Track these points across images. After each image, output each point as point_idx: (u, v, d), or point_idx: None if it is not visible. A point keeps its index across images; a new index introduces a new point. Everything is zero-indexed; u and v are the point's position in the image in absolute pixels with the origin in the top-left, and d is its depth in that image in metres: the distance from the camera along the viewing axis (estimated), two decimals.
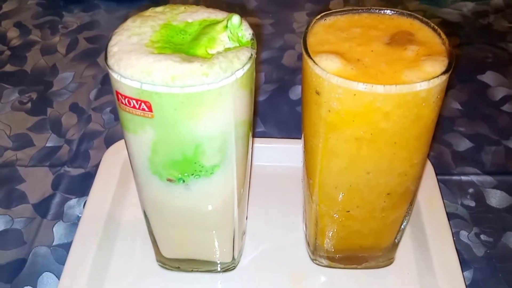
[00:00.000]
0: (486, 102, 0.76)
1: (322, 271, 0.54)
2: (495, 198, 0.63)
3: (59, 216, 0.60)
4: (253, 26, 0.43)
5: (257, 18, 0.90)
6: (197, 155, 0.42)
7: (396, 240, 0.52)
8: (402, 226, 0.51)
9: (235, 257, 0.53)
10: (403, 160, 0.43)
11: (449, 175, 0.65)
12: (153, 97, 0.38)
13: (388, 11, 0.45)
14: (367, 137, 0.41)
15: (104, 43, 0.69)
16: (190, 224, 0.49)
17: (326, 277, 0.54)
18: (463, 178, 0.65)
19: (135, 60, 0.38)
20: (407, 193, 0.47)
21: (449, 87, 0.77)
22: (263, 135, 0.71)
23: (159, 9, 0.44)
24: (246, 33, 0.42)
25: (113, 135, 0.70)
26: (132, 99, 0.38)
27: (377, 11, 0.46)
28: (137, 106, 0.39)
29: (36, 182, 0.64)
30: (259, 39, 0.84)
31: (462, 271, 0.52)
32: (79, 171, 0.65)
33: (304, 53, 0.41)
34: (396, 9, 0.45)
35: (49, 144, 0.69)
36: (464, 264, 0.55)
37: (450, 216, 0.60)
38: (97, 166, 0.65)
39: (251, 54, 0.40)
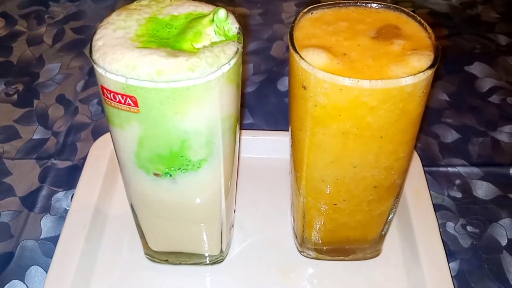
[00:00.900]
0: (474, 93, 0.77)
1: (309, 263, 0.54)
2: (482, 190, 0.63)
3: (47, 209, 0.59)
4: (241, 16, 0.43)
5: (245, 8, 0.90)
6: (183, 149, 0.41)
7: (383, 232, 0.52)
8: (389, 219, 0.51)
9: (223, 249, 0.53)
10: (389, 154, 0.43)
11: (436, 167, 0.66)
12: (138, 92, 0.37)
13: (375, 5, 0.45)
14: (353, 131, 0.41)
15: (90, 33, 0.69)
16: (178, 217, 0.49)
17: (314, 269, 0.54)
18: (450, 169, 0.65)
19: (120, 54, 0.38)
20: (393, 186, 0.47)
21: (436, 78, 0.77)
22: (251, 126, 0.71)
23: (145, 2, 0.44)
24: (232, 27, 0.42)
25: (100, 127, 0.70)
26: (117, 94, 0.38)
27: (363, 4, 0.45)
28: (123, 101, 0.38)
29: (23, 175, 0.63)
30: (247, 30, 0.84)
31: (448, 263, 0.52)
32: (66, 163, 0.65)
33: (290, 47, 0.41)
34: (383, 3, 0.45)
35: (36, 137, 0.68)
36: (450, 255, 0.56)
37: (437, 207, 0.60)
38: (84, 158, 0.64)
39: (237, 49, 0.40)
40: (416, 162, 0.61)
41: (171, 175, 0.43)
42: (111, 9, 0.43)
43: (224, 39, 0.41)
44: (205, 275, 0.54)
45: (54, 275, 0.51)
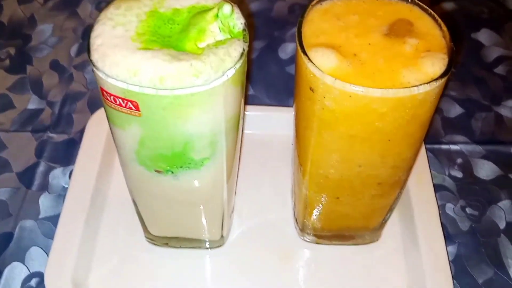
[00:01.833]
0: (480, 64, 0.75)
1: (309, 246, 0.55)
2: (483, 169, 0.63)
3: (44, 187, 0.59)
4: None
5: None
6: (186, 150, 0.40)
7: (384, 221, 0.52)
8: (392, 209, 0.51)
9: (224, 235, 0.53)
10: (396, 155, 0.42)
11: (438, 144, 0.65)
12: (140, 97, 0.36)
13: None
14: (360, 135, 0.40)
15: None
16: (179, 208, 0.48)
17: (313, 253, 0.55)
18: (452, 147, 0.65)
19: (121, 57, 0.36)
20: (398, 182, 0.47)
21: None
22: (252, 98, 0.69)
23: None
24: (237, 22, 0.40)
25: (96, 97, 0.68)
26: (118, 97, 0.37)
27: None
28: (124, 105, 0.37)
29: (19, 149, 0.62)
30: None
31: (446, 247, 0.53)
32: (63, 137, 0.64)
33: (298, 47, 0.39)
34: None
35: (30, 107, 0.67)
36: (448, 239, 0.56)
37: (437, 188, 0.60)
38: (80, 132, 0.63)
39: (243, 49, 0.38)
40: None
41: (172, 172, 0.43)
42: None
43: (229, 36, 0.39)
44: (205, 258, 0.54)
45: (55, 258, 0.51)
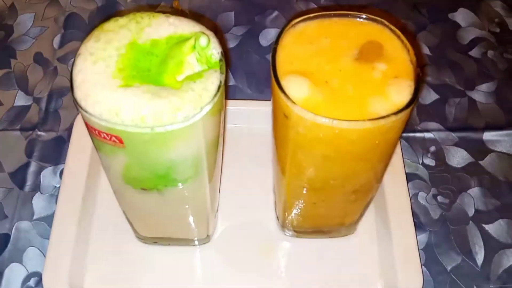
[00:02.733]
0: (455, 46, 0.77)
1: (289, 240, 0.58)
2: (455, 157, 0.66)
3: (37, 187, 0.61)
4: None
5: None
6: (169, 173, 0.43)
7: (359, 218, 0.56)
8: (366, 208, 0.54)
9: (209, 234, 0.56)
10: (368, 170, 0.45)
11: (413, 132, 0.68)
12: (123, 133, 0.38)
13: (358, 18, 0.44)
14: (333, 155, 0.42)
15: None
16: (165, 216, 0.51)
17: (293, 245, 0.58)
18: (426, 135, 0.68)
19: (102, 96, 0.38)
20: (373, 188, 0.50)
21: (419, 29, 0.77)
22: (233, 89, 0.71)
23: (123, 21, 0.42)
24: (214, 52, 0.41)
25: None
26: (102, 132, 0.39)
27: (347, 16, 0.44)
28: (108, 138, 0.39)
29: (9, 149, 0.64)
30: None
31: (417, 237, 0.57)
32: (51, 135, 0.66)
33: (272, 76, 0.41)
34: (367, 15, 0.44)
35: (17, 104, 0.68)
36: (420, 227, 0.60)
37: (411, 177, 0.64)
38: (68, 129, 0.65)
39: (220, 82, 0.40)
40: None
41: (158, 189, 0.45)
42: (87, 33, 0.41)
43: (206, 67, 0.41)
44: (193, 253, 0.57)
45: (52, 259, 0.53)
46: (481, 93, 0.72)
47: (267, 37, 0.76)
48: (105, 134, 0.39)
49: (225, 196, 0.60)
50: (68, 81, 0.68)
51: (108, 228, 0.59)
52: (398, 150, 0.62)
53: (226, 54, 0.42)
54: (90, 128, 0.40)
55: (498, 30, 0.78)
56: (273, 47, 0.42)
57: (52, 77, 0.71)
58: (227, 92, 0.70)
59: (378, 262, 0.57)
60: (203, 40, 0.40)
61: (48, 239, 0.55)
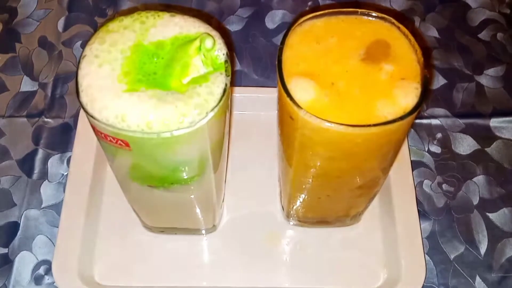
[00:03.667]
0: (464, 29, 0.75)
1: (294, 228, 0.59)
2: (461, 144, 0.66)
3: (44, 175, 0.62)
4: None
5: None
6: (175, 173, 0.43)
7: (364, 209, 0.56)
8: (371, 200, 0.55)
9: (216, 224, 0.57)
10: (374, 168, 0.45)
11: (420, 118, 0.67)
12: (129, 137, 0.38)
13: (365, 16, 0.44)
14: (338, 156, 0.42)
15: None
16: (171, 209, 0.52)
17: (298, 234, 0.59)
18: (433, 121, 0.67)
19: (108, 101, 0.38)
20: (379, 183, 0.50)
21: (429, 9, 0.76)
22: (239, 74, 0.70)
23: (127, 21, 0.42)
24: (220, 53, 0.41)
25: None
26: (108, 136, 0.39)
27: (354, 13, 0.44)
28: (114, 142, 0.39)
29: (17, 136, 0.65)
30: None
31: (421, 225, 0.57)
32: (58, 121, 0.66)
33: (278, 78, 0.41)
34: (374, 12, 0.44)
35: (23, 89, 0.68)
36: (424, 216, 0.61)
37: (416, 164, 0.64)
38: (74, 116, 0.66)
39: (226, 85, 0.40)
40: None
41: (164, 187, 0.46)
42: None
43: (211, 69, 0.41)
44: (200, 241, 0.58)
45: (61, 249, 0.55)
46: (489, 78, 0.71)
47: (273, 19, 0.75)
48: (111, 138, 0.39)
49: (231, 186, 0.60)
50: (74, 66, 0.68)
51: (116, 217, 0.59)
52: (405, 144, 0.62)
53: (230, 48, 0.41)
54: (96, 131, 0.40)
55: (508, 11, 0.77)
56: (279, 47, 0.42)
57: (57, 62, 0.71)
58: (233, 78, 0.69)
59: (382, 250, 0.58)
60: (208, 42, 0.40)
61: (57, 227, 0.57)
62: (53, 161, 0.63)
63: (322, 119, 0.38)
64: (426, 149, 0.65)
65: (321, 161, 0.44)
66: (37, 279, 0.56)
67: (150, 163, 0.42)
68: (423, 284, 0.54)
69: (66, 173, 0.62)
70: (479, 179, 0.63)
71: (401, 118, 0.38)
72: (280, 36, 0.72)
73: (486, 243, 0.59)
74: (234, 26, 0.74)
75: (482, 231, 0.60)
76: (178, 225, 0.56)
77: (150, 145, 0.39)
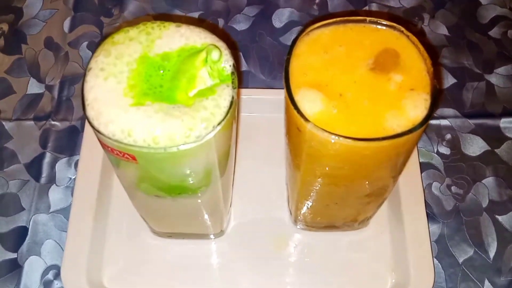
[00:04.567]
0: (475, 26, 0.74)
1: (302, 233, 0.59)
2: (471, 145, 0.65)
3: (52, 179, 0.62)
4: None
5: None
6: (182, 184, 0.43)
7: (373, 214, 0.56)
8: (380, 206, 0.54)
9: (223, 229, 0.57)
10: (383, 178, 0.45)
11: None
12: (135, 152, 0.38)
13: (374, 24, 0.43)
14: (346, 167, 0.42)
15: None
16: (179, 216, 0.52)
17: (305, 238, 0.59)
18: (442, 122, 0.67)
19: (115, 116, 0.38)
20: (388, 191, 0.49)
21: (439, 6, 0.75)
22: (246, 75, 0.70)
23: (133, 32, 0.41)
24: (226, 65, 0.41)
25: None
26: (115, 149, 0.39)
27: (363, 22, 0.43)
28: (121, 155, 0.39)
29: (24, 139, 0.65)
30: None
31: (430, 228, 0.57)
32: (65, 124, 0.66)
33: (285, 90, 0.40)
34: (383, 20, 0.43)
35: (30, 91, 0.68)
36: (433, 219, 0.60)
37: (425, 166, 0.63)
38: (81, 119, 0.66)
39: (232, 98, 0.39)
40: None
41: (171, 197, 0.46)
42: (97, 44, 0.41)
43: (218, 80, 0.40)
44: (208, 245, 0.58)
45: (70, 253, 0.55)
46: (499, 77, 0.70)
47: (280, 18, 0.75)
48: (118, 152, 0.39)
49: (238, 190, 0.60)
50: (81, 68, 0.68)
51: (124, 221, 0.59)
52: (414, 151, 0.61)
53: (235, 46, 0.41)
54: (103, 145, 0.40)
55: None
56: (287, 58, 0.42)
57: (64, 64, 0.70)
58: (240, 79, 0.69)
59: (390, 254, 0.58)
60: (215, 54, 0.39)
61: (65, 231, 0.57)
62: (60, 165, 0.63)
63: (330, 132, 0.38)
64: (435, 150, 0.65)
65: (329, 171, 0.43)
66: (46, 284, 0.57)
67: (157, 175, 0.41)
68: None
69: (73, 177, 0.62)
70: (489, 181, 0.63)
71: (410, 131, 0.38)
72: (287, 35, 0.73)
73: (495, 247, 0.59)
74: (240, 25, 0.74)
75: (491, 234, 0.60)
76: (185, 230, 0.56)
77: (157, 159, 0.39)
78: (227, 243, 0.58)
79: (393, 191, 0.58)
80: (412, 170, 0.59)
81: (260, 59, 0.71)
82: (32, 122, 0.66)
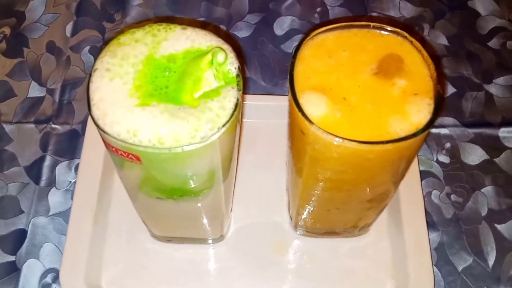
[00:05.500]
0: (474, 37, 0.75)
1: (302, 239, 0.59)
2: (470, 154, 0.65)
3: (52, 182, 0.62)
4: None
5: None
6: (185, 185, 0.43)
7: (373, 221, 0.56)
8: (380, 213, 0.54)
9: (223, 234, 0.57)
10: (385, 183, 0.45)
11: None
12: (140, 152, 0.38)
13: (378, 30, 0.43)
14: (349, 171, 0.42)
15: None
16: (180, 219, 0.52)
17: (305, 244, 0.59)
18: (442, 131, 0.67)
19: (120, 116, 0.38)
20: (389, 197, 0.50)
21: (438, 17, 0.76)
22: (248, 81, 0.70)
23: (139, 34, 0.42)
24: (231, 67, 0.41)
25: None
26: (119, 150, 0.39)
27: (367, 28, 0.44)
28: (125, 156, 0.39)
29: (24, 142, 0.64)
30: None
31: (430, 236, 0.57)
32: (66, 128, 0.66)
33: (290, 93, 0.40)
34: (387, 26, 0.43)
35: (31, 95, 0.68)
36: (432, 227, 0.60)
37: (425, 174, 0.63)
38: (82, 122, 0.66)
39: (237, 100, 0.39)
40: None
41: (173, 199, 0.46)
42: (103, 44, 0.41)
43: (223, 82, 0.40)
44: (207, 250, 0.58)
45: (69, 257, 0.55)
46: (498, 87, 0.71)
47: (282, 25, 0.75)
48: (122, 152, 0.39)
49: (239, 196, 0.60)
50: (82, 72, 0.68)
51: (124, 225, 0.59)
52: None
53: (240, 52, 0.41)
54: (107, 145, 0.40)
55: None
56: (291, 61, 0.42)
57: (65, 67, 0.70)
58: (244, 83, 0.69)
59: (390, 261, 0.58)
60: (220, 57, 0.40)
61: (65, 235, 0.57)
62: (61, 168, 0.63)
63: (334, 135, 0.38)
64: (435, 159, 0.65)
65: (332, 175, 0.44)
66: (45, 287, 0.56)
67: (160, 176, 0.41)
68: None
69: (74, 180, 0.62)
70: (488, 189, 0.63)
71: (414, 135, 0.38)
72: (289, 43, 0.73)
73: (495, 255, 0.59)
74: (242, 32, 0.74)
75: (490, 242, 0.60)
76: (185, 234, 0.56)
77: (162, 160, 0.39)
78: (226, 248, 0.58)
79: (393, 199, 0.59)
80: (412, 178, 0.60)
81: (262, 66, 0.71)
82: (32, 125, 0.66)
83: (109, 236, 0.59)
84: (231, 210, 0.58)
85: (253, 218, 0.60)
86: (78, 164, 0.61)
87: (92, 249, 0.56)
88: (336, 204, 0.49)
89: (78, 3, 0.76)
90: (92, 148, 0.61)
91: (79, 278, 0.54)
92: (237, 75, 0.41)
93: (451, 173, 0.64)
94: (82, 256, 0.55)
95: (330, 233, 0.58)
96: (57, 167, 0.63)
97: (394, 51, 0.43)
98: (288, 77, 0.41)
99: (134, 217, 0.58)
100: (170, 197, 0.45)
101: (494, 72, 0.72)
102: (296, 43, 0.40)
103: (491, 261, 0.59)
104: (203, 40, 0.42)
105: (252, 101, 0.65)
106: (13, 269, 0.57)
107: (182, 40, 0.42)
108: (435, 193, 0.63)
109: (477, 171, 0.64)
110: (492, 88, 0.71)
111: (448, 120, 0.68)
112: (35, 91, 0.68)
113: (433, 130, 0.67)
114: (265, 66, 0.71)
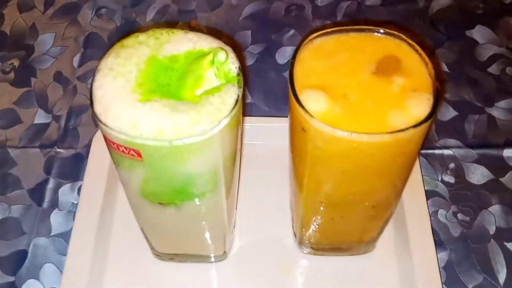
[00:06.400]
0: (473, 63, 0.76)
1: (307, 257, 0.58)
2: (475, 174, 0.65)
3: (55, 203, 0.62)
4: None
5: None
6: (187, 187, 0.43)
7: (378, 234, 0.55)
8: (386, 224, 0.53)
9: (226, 250, 0.56)
10: (387, 184, 0.45)
11: (432, 149, 0.67)
12: (141, 147, 0.38)
13: (375, 33, 0.44)
14: (351, 170, 0.42)
15: None
16: (183, 231, 0.51)
17: (311, 263, 0.57)
18: (445, 152, 0.67)
19: (122, 110, 0.38)
20: (392, 204, 0.49)
21: (437, 45, 0.77)
22: (251, 107, 0.71)
23: (143, 37, 0.43)
24: (232, 66, 0.42)
25: None
26: (121, 145, 0.39)
27: (364, 30, 0.45)
28: (126, 152, 0.39)
29: (28, 165, 0.65)
30: None
31: (438, 255, 0.56)
32: (70, 152, 0.66)
33: (290, 91, 0.41)
34: (384, 29, 0.44)
35: (37, 121, 0.69)
36: (440, 245, 0.59)
37: (430, 194, 0.63)
38: (86, 146, 0.66)
39: (238, 96, 0.40)
40: None
41: (175, 204, 0.45)
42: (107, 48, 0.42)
43: (224, 81, 0.41)
44: (210, 270, 0.57)
45: (69, 276, 0.54)
46: (500, 110, 0.71)
47: (284, 55, 0.77)
48: (123, 148, 0.39)
49: (242, 213, 0.60)
50: (88, 99, 0.69)
51: (125, 245, 0.58)
52: (417, 167, 0.61)
53: (243, 70, 0.42)
54: (109, 142, 0.40)
55: None
56: (291, 61, 0.43)
57: (72, 95, 0.72)
58: (244, 109, 0.70)
59: (398, 280, 0.56)
60: (221, 56, 0.40)
61: (65, 255, 0.56)
62: (64, 190, 0.63)
63: (334, 127, 0.38)
64: (440, 179, 0.65)
65: (334, 176, 0.43)
66: None
67: (161, 175, 0.41)
68: None
69: (76, 202, 0.61)
70: (495, 208, 0.62)
71: (415, 126, 0.38)
72: None
73: (505, 273, 0.57)
74: (246, 61, 0.76)
75: (500, 260, 0.58)
76: (188, 251, 0.55)
77: (162, 155, 0.39)
78: (229, 267, 0.57)
79: (399, 217, 0.58)
80: (417, 197, 0.59)
81: (265, 92, 0.72)
82: (37, 150, 0.66)
83: (110, 257, 0.58)
84: (234, 227, 0.57)
85: (257, 236, 0.59)
86: (81, 185, 0.61)
87: (92, 270, 0.55)
88: (340, 212, 0.48)
89: (86, 36, 0.78)
90: (95, 169, 0.61)
91: None
92: (238, 74, 0.41)
93: (457, 193, 0.63)
94: (82, 276, 0.54)
95: (336, 249, 0.56)
96: (60, 189, 0.63)
97: (392, 52, 0.44)
98: (288, 76, 0.42)
99: (135, 237, 0.57)
100: (172, 201, 0.45)
101: (496, 96, 0.72)
102: None
103: (502, 279, 0.57)
104: (204, 42, 0.43)
105: (255, 123, 0.65)
106: None
107: (184, 42, 0.43)
108: (441, 212, 0.62)
109: (483, 190, 0.64)
110: (494, 111, 0.71)
111: (451, 141, 0.68)
112: (41, 117, 0.69)
113: (437, 151, 0.67)
114: (268, 92, 0.73)
